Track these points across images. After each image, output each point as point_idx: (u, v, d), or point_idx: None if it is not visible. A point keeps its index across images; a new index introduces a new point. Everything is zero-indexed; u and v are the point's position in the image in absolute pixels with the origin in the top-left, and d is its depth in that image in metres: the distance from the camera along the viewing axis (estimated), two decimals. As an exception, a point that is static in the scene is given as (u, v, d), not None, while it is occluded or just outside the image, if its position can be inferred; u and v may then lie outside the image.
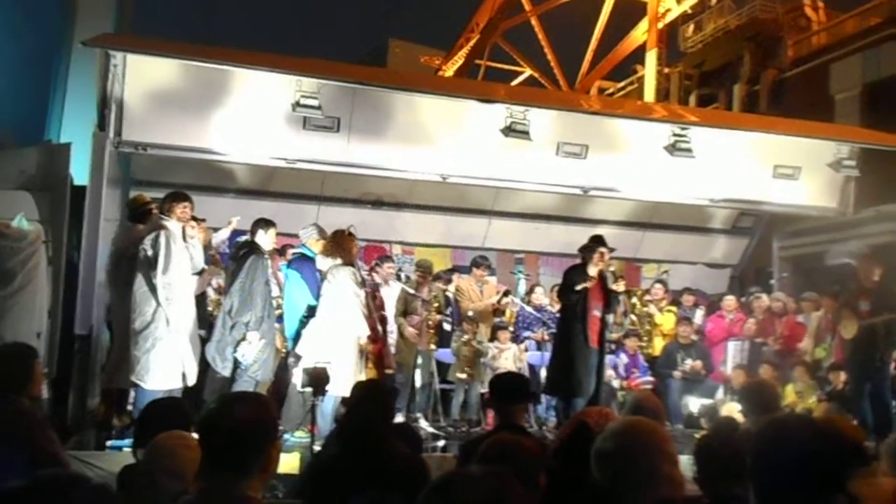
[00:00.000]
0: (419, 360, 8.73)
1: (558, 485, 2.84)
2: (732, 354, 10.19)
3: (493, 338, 9.44)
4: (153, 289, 6.66)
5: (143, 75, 8.38)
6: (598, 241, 8.24)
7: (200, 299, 7.81)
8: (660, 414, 3.97)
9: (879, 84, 17.98)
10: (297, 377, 7.13)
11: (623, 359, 10.03)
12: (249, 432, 2.38)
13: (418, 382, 8.75)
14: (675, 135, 9.60)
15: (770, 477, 2.08)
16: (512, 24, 35.41)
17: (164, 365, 6.68)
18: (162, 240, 6.69)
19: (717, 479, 3.19)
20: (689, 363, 9.88)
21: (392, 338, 9.09)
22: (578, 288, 8.00)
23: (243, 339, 7.08)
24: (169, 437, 3.21)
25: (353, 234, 7.70)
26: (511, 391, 4.60)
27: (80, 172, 8.16)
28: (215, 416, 2.45)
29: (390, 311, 9.04)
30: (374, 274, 9.31)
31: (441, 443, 7.92)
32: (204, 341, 7.38)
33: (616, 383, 9.66)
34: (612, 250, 8.30)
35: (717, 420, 7.54)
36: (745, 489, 2.15)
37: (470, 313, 9.49)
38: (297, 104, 8.44)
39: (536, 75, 34.99)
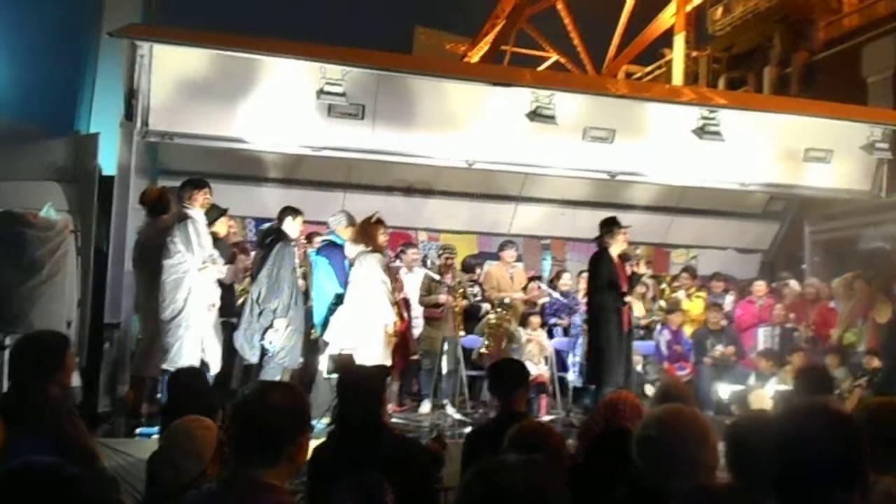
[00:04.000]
0: (445, 347, 8.71)
1: (584, 473, 2.82)
2: (763, 340, 10.09)
3: (523, 323, 9.39)
4: (184, 277, 6.77)
5: (170, 65, 8.39)
6: (612, 223, 8.15)
7: (227, 287, 7.84)
8: (690, 401, 3.91)
9: (913, 66, 17.67)
10: (323, 364, 7.16)
11: (665, 335, 9.79)
12: (283, 422, 2.37)
13: (444, 369, 8.73)
14: (703, 118, 9.52)
15: (794, 465, 2.06)
16: (538, 10, 35.14)
17: (197, 351, 6.80)
18: (191, 228, 6.86)
19: (749, 466, 3.14)
20: (719, 349, 9.76)
21: (418, 322, 9.10)
22: (628, 300, 7.96)
23: (270, 326, 7.13)
24: (185, 420, 3.27)
25: (380, 221, 7.69)
26: (509, 377, 4.69)
27: (108, 163, 8.25)
28: (250, 404, 2.43)
29: (413, 297, 9.04)
30: (398, 260, 9.31)
31: (468, 429, 7.88)
32: (231, 329, 7.42)
33: (640, 368, 9.52)
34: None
35: (747, 409, 7.45)
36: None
37: (507, 300, 9.40)
38: (322, 91, 8.43)
39: (563, 60, 34.74)
